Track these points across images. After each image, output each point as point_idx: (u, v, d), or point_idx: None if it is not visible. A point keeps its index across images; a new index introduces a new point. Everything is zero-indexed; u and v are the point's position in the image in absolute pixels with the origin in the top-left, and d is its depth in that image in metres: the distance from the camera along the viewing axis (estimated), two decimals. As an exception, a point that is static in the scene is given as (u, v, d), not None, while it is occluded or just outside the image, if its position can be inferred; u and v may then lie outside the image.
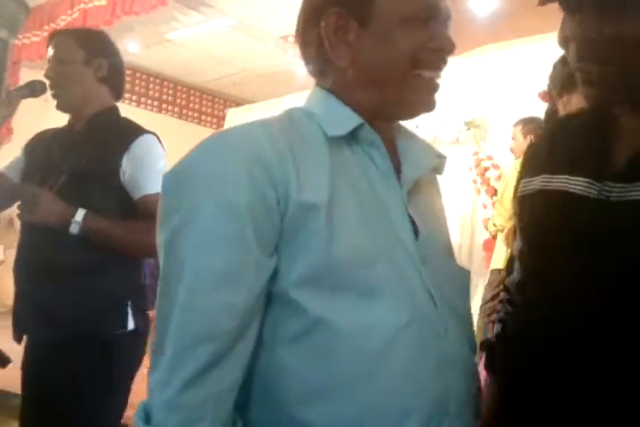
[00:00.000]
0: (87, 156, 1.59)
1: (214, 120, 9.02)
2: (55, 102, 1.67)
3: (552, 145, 0.89)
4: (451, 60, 0.88)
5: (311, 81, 0.96)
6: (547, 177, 0.84)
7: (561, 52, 0.84)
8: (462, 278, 0.90)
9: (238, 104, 8.54)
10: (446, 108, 5.39)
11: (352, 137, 0.82)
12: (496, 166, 4.86)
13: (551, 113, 2.37)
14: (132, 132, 1.63)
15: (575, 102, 2.09)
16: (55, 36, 1.68)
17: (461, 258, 5.22)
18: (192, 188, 0.74)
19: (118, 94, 1.75)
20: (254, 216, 0.72)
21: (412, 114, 0.88)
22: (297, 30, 0.88)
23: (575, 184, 0.79)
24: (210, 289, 0.71)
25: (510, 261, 0.98)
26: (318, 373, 0.73)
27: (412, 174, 0.86)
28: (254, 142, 0.75)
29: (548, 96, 2.40)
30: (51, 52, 1.66)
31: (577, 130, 0.86)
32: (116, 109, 1.73)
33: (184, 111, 8.77)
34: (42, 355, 1.56)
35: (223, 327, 0.71)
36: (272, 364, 0.75)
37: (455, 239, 5.42)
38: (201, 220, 0.72)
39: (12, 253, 1.60)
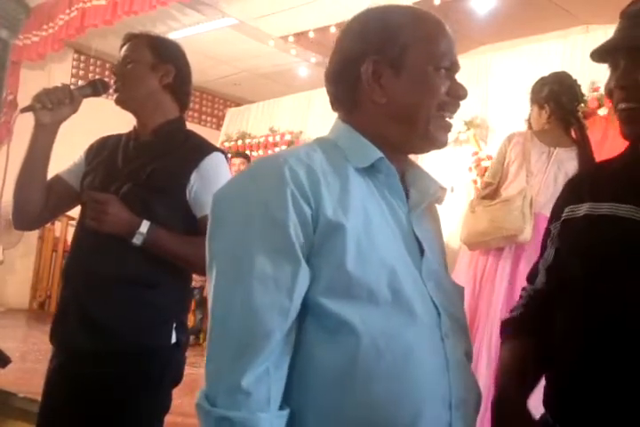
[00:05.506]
0: (155, 168, 1.58)
1: (214, 120, 9.03)
2: (115, 97, 1.66)
3: (595, 179, 1.05)
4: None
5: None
6: (594, 204, 0.99)
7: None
8: (458, 293, 1.04)
9: (238, 104, 8.55)
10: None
11: (372, 167, 0.95)
12: (496, 166, 4.86)
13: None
14: (203, 149, 1.63)
15: (535, 114, 2.88)
16: (129, 38, 1.70)
17: (461, 258, 5.21)
18: (243, 205, 0.88)
19: (183, 105, 1.74)
20: (296, 230, 0.85)
21: (428, 149, 1.01)
22: (332, 71, 1.00)
23: (623, 210, 0.94)
24: (265, 291, 0.83)
25: (534, 274, 1.12)
26: (342, 362, 0.85)
27: (419, 200, 0.99)
28: (293, 168, 0.88)
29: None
30: (123, 52, 1.69)
31: (619, 167, 1.02)
32: (182, 121, 1.73)
33: (184, 111, 8.77)
34: (89, 366, 1.51)
35: (276, 325, 0.83)
36: (302, 357, 0.86)
37: (455, 240, 5.41)
38: (253, 233, 0.85)
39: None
